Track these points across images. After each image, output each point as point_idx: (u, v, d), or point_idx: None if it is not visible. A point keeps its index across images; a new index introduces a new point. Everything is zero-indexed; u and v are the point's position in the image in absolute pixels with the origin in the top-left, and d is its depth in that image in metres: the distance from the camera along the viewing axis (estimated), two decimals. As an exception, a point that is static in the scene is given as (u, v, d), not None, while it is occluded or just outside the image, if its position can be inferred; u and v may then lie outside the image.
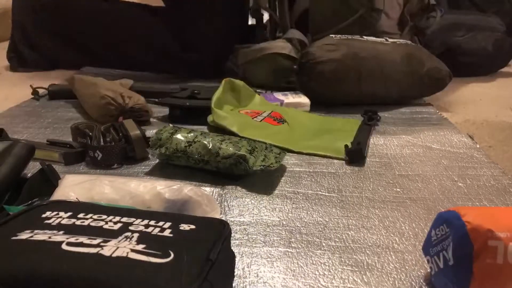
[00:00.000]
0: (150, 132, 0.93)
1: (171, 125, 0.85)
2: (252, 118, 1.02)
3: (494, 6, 1.89)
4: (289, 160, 0.87)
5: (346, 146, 0.88)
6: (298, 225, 0.65)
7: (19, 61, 1.57)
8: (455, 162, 0.87)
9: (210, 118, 1.03)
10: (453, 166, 0.85)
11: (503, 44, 1.61)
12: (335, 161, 0.87)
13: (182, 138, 0.80)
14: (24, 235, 0.45)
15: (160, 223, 0.49)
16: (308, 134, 1.00)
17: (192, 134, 0.80)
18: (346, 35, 1.25)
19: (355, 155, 0.86)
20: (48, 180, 0.67)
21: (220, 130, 0.95)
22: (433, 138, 0.98)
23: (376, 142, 0.96)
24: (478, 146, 0.94)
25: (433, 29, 1.61)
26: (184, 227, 0.48)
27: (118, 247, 0.43)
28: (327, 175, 0.81)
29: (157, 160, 0.84)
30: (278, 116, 1.05)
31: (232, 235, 0.58)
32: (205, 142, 0.78)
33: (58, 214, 0.50)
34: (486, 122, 1.13)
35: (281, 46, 1.34)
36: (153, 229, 0.47)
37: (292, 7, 1.50)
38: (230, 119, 0.96)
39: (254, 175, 0.78)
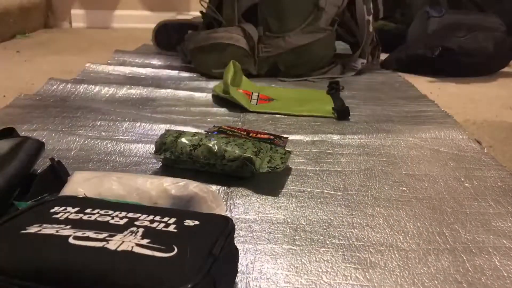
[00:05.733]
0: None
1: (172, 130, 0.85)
2: (250, 102, 1.21)
3: (494, 5, 1.88)
4: (295, 159, 0.87)
5: (333, 108, 1.16)
6: (303, 223, 0.65)
7: None
8: (462, 164, 0.87)
9: (216, 90, 1.24)
10: (460, 168, 0.85)
11: (504, 44, 1.60)
12: (342, 160, 0.87)
13: (187, 142, 0.80)
14: (33, 229, 0.46)
15: (165, 219, 0.49)
16: (297, 103, 1.21)
17: (196, 137, 0.81)
18: None
19: (343, 113, 1.12)
20: (58, 176, 0.68)
21: (222, 99, 1.21)
22: (440, 141, 0.98)
23: (384, 143, 0.96)
24: (486, 150, 0.93)
25: (434, 29, 1.61)
26: (189, 222, 0.49)
27: (123, 241, 0.44)
28: (333, 174, 0.81)
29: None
30: (265, 97, 1.26)
31: (236, 232, 0.58)
32: (210, 145, 0.78)
33: (66, 209, 0.51)
34: (486, 122, 1.13)
35: (235, 38, 1.42)
36: (158, 225, 0.48)
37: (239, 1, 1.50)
38: (242, 98, 1.19)
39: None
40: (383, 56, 1.73)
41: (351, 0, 1.53)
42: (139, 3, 2.72)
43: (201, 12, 1.63)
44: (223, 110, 1.17)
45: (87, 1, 2.68)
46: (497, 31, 1.64)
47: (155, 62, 1.68)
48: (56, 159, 0.71)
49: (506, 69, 1.67)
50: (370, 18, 1.58)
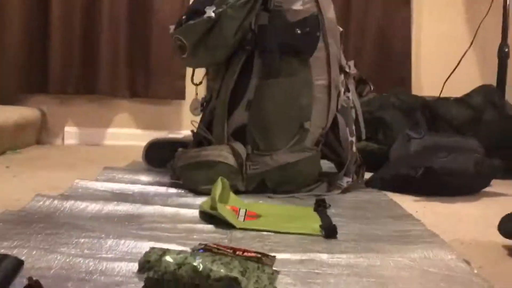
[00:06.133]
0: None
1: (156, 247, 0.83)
2: (237, 218, 1.20)
3: (471, 129, 1.99)
4: (283, 279, 0.85)
5: (321, 225, 1.15)
6: None
7: None
8: (454, 286, 0.85)
9: (204, 206, 1.24)
10: (452, 289, 0.83)
11: (484, 165, 1.66)
12: (331, 280, 0.85)
13: (171, 260, 0.78)
14: None
15: None
16: (284, 220, 1.22)
17: (181, 255, 0.79)
18: None
19: (331, 231, 1.12)
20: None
21: (209, 216, 1.20)
22: (429, 261, 0.96)
23: (373, 262, 0.95)
24: (475, 271, 0.91)
25: (415, 150, 1.68)
26: None
27: None
28: (322, 296, 0.79)
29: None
30: (253, 213, 1.25)
31: None
32: (195, 264, 0.76)
33: None
34: (474, 241, 1.13)
35: (224, 155, 1.47)
36: None
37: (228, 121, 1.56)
38: (229, 215, 1.17)
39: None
40: (367, 175, 1.77)
41: (334, 122, 1.61)
42: (132, 122, 2.82)
43: (192, 131, 1.70)
44: (210, 226, 1.16)
45: (81, 119, 2.78)
46: (476, 152, 1.71)
47: (144, 178, 1.70)
48: (34, 278, 0.68)
49: (488, 189, 1.71)
50: (353, 139, 1.66)
